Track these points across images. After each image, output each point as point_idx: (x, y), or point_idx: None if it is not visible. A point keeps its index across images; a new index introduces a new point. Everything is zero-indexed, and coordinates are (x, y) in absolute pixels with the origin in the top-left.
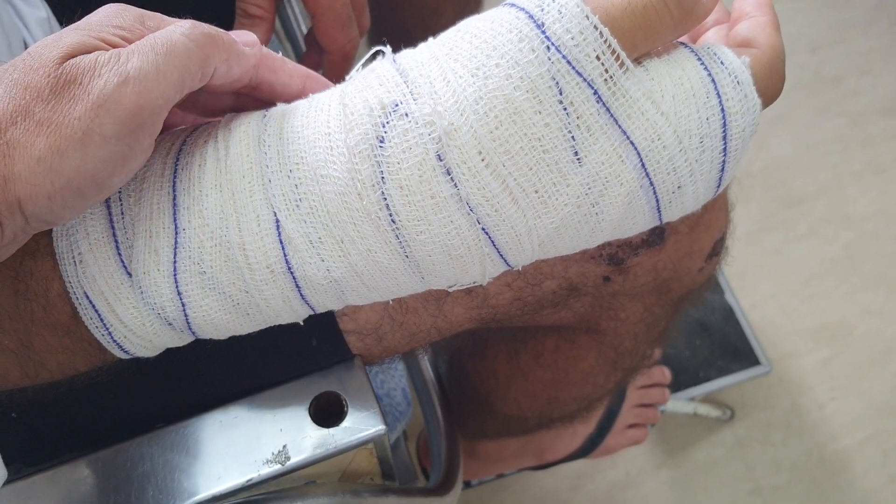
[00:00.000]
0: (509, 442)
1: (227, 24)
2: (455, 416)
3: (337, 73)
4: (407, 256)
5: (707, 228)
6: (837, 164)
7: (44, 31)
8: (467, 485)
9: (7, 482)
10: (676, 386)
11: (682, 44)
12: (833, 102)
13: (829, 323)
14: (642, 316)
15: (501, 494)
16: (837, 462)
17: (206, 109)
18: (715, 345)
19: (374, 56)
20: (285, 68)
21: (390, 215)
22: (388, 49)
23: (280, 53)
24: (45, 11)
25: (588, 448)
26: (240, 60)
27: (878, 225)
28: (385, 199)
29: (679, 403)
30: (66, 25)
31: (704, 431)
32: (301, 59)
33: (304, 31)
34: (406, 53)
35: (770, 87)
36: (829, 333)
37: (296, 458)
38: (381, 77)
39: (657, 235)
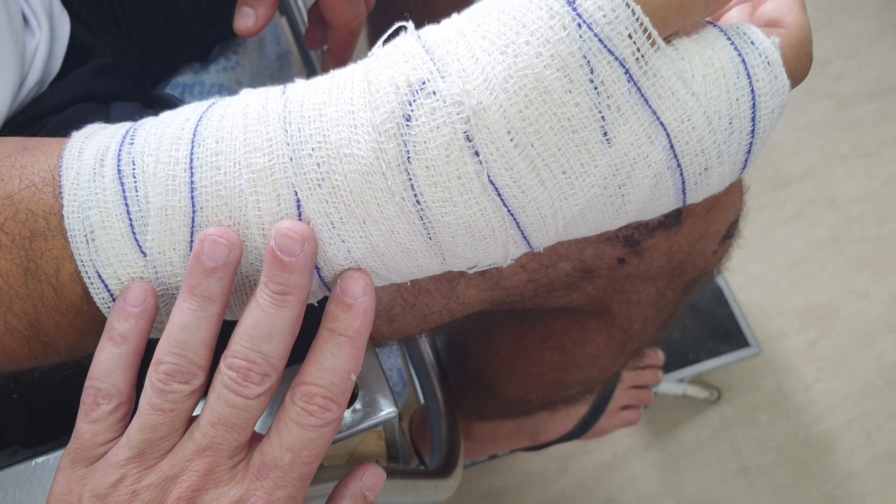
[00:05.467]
0: (504, 423)
1: (231, 3)
2: (454, 397)
3: (342, 49)
4: (430, 238)
5: (723, 210)
6: (824, 146)
7: (42, 2)
8: None
9: (7, 466)
10: (666, 367)
11: (711, 23)
12: (820, 85)
13: (816, 304)
14: (654, 299)
15: (489, 475)
16: (822, 443)
17: None
18: (704, 326)
19: (395, 32)
20: None
21: (415, 196)
22: (410, 24)
23: (278, 28)
24: None
25: (582, 429)
26: None
27: (863, 208)
28: (410, 179)
29: (669, 385)
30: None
31: (692, 412)
32: (303, 35)
33: (301, 3)
34: (431, 29)
35: (798, 68)
36: (816, 315)
37: None
38: (406, 54)
39: (674, 217)
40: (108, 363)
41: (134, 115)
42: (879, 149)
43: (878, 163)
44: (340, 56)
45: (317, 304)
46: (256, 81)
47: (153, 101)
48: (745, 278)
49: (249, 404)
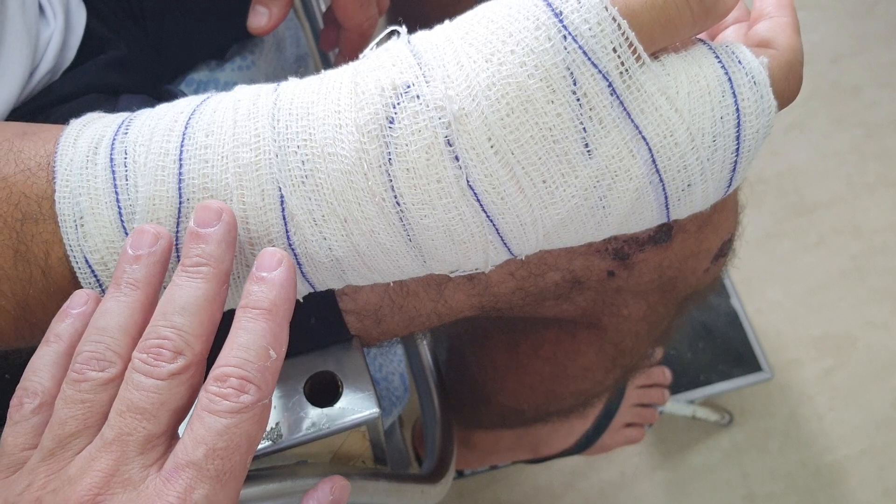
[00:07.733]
0: (505, 433)
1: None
2: (452, 404)
3: (354, 52)
4: (410, 239)
5: (715, 229)
6: (851, 174)
7: None
8: (460, 474)
9: None
10: (676, 388)
11: (701, 41)
12: (851, 113)
13: (833, 333)
14: (645, 314)
15: (494, 487)
16: (833, 473)
17: None
18: (718, 348)
19: (389, 35)
20: None
21: (395, 197)
22: (403, 29)
23: (299, 31)
24: None
25: (584, 444)
26: None
27: (887, 238)
28: (391, 180)
29: (678, 405)
30: None
31: (702, 435)
32: (318, 36)
33: (324, 8)
34: (421, 35)
35: (787, 89)
36: (833, 344)
37: (288, 437)
38: (394, 57)
39: (664, 233)
40: (38, 361)
41: (141, 108)
42: None
43: None
44: (352, 58)
45: (301, 300)
46: (272, 82)
47: (163, 97)
48: (764, 303)
49: (160, 386)
